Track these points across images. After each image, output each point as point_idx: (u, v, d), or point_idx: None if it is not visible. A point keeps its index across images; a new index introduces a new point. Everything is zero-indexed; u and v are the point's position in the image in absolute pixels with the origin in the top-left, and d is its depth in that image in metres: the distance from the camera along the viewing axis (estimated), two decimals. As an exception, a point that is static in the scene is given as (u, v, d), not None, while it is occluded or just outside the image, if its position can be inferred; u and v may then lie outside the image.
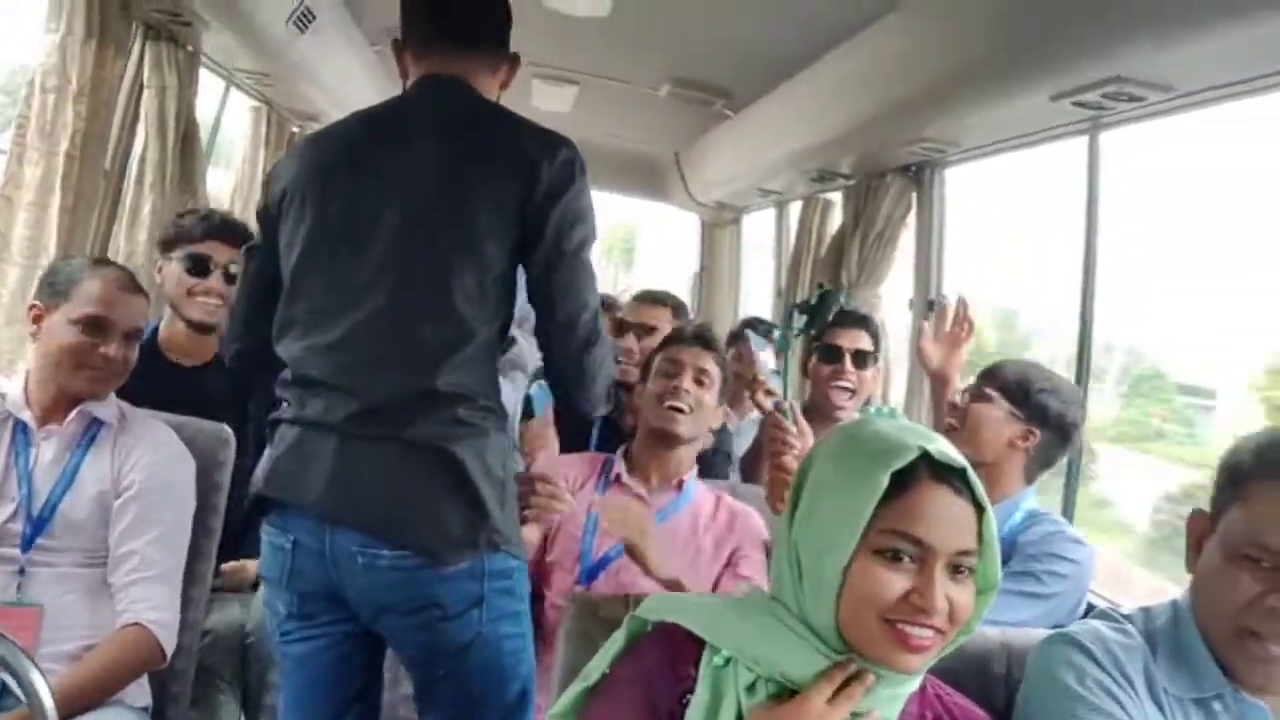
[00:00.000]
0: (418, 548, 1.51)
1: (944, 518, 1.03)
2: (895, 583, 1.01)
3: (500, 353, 1.65)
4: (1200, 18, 1.70)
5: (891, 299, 3.59)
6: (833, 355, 2.57)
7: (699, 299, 5.63)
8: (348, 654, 1.64)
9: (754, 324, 3.07)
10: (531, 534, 1.90)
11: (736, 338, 3.04)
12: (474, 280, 1.54)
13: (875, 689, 1.05)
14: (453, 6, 1.66)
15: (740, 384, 2.26)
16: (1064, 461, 2.29)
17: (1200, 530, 1.21)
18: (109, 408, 1.85)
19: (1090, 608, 1.82)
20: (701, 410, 2.02)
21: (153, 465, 1.83)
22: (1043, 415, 1.93)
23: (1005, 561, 1.80)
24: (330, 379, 1.57)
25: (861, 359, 2.56)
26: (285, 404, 1.63)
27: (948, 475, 1.05)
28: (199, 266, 2.26)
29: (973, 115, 2.54)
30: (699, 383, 2.02)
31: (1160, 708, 1.17)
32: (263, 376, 1.73)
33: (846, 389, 2.55)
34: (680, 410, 1.99)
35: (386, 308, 1.54)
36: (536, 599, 1.97)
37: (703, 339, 2.11)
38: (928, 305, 3.33)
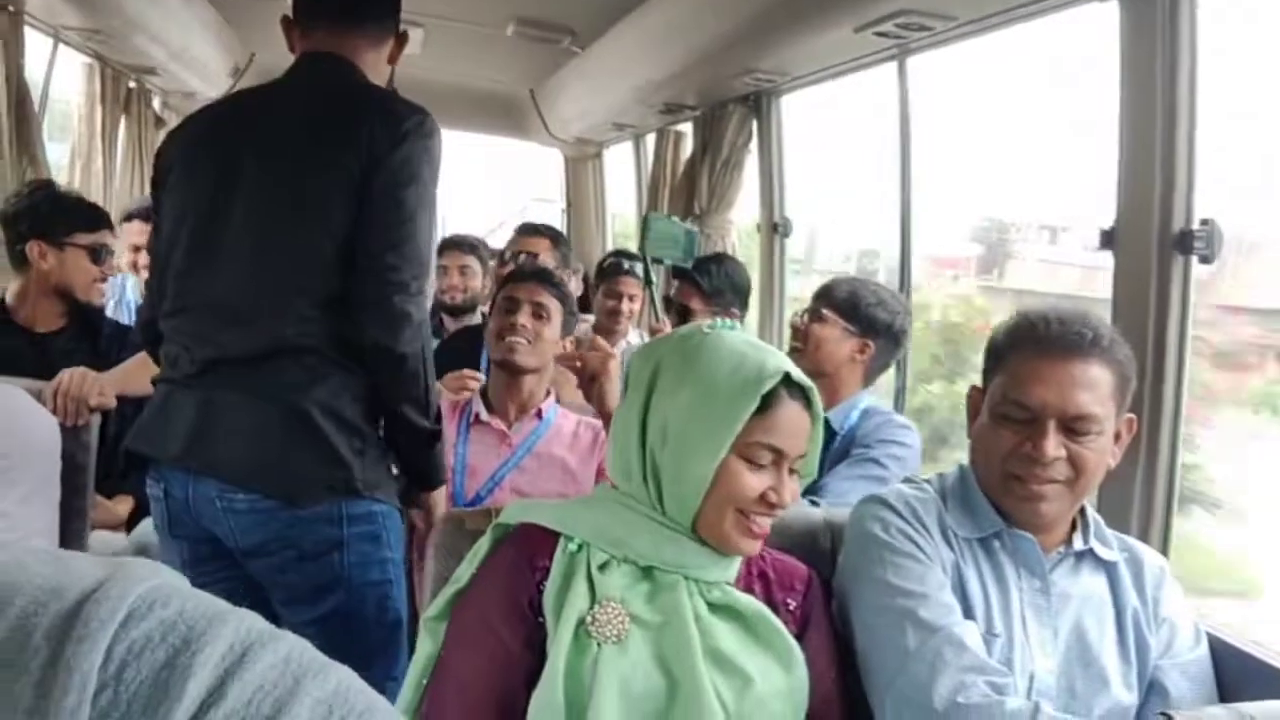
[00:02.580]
0: (271, 490, 1.60)
1: (794, 428, 1.24)
2: (755, 483, 1.21)
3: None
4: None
5: (741, 222, 3.79)
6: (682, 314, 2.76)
7: (568, 232, 5.72)
8: (240, 601, 1.72)
9: (620, 257, 3.24)
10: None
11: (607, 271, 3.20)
12: (317, 244, 1.60)
13: (713, 558, 1.24)
14: None
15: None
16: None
17: (976, 402, 1.42)
18: None
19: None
20: (541, 341, 2.10)
21: (7, 426, 1.81)
22: (874, 326, 2.09)
23: (846, 451, 2.02)
24: (191, 338, 1.66)
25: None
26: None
27: (799, 393, 1.24)
28: (100, 256, 2.36)
29: (793, 47, 2.71)
30: (537, 316, 2.09)
31: (951, 547, 1.37)
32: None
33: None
34: (519, 341, 2.07)
35: (239, 271, 1.62)
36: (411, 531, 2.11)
37: (539, 274, 2.19)
38: (773, 227, 3.54)
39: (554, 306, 2.12)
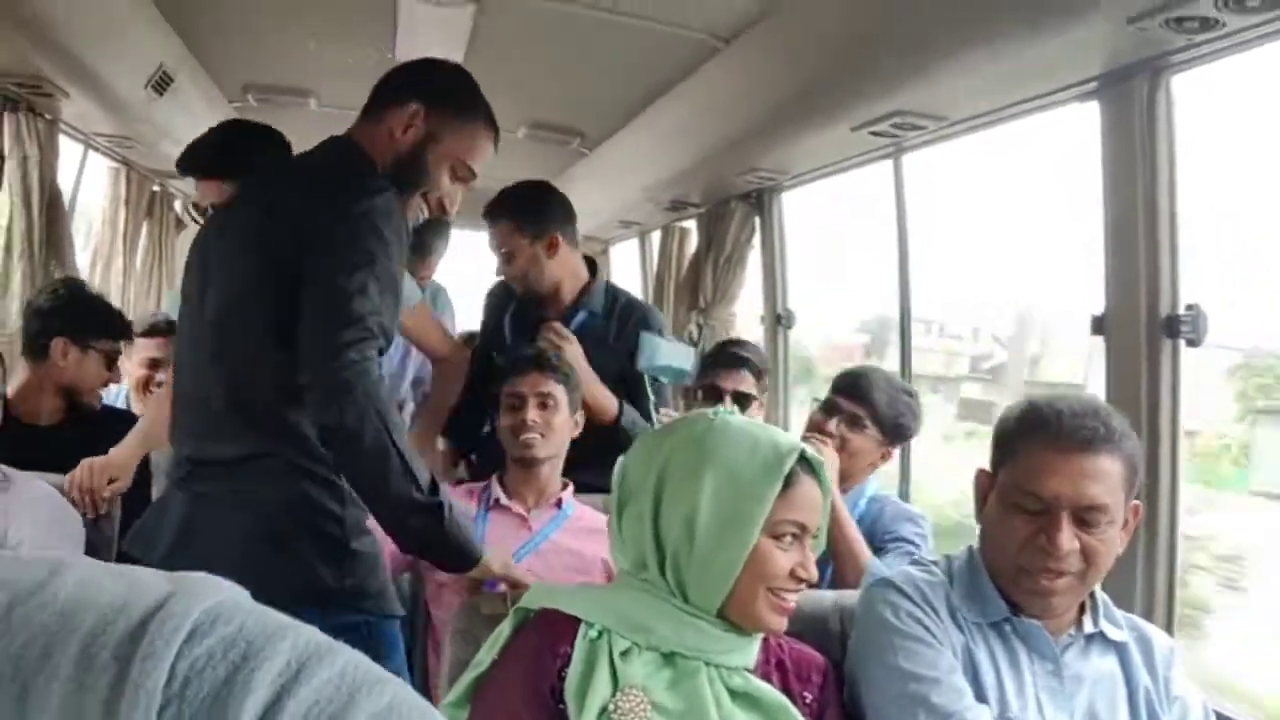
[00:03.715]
0: None
1: (814, 504, 1.28)
2: (786, 561, 1.25)
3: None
4: (959, 57, 1.99)
5: (745, 315, 3.86)
6: (714, 396, 2.52)
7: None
8: None
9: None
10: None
11: None
12: (263, 340, 1.56)
13: (735, 643, 1.26)
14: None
15: None
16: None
17: (985, 487, 1.43)
18: None
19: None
20: (552, 431, 2.10)
21: (38, 522, 1.87)
22: (900, 435, 2.16)
23: (868, 538, 2.02)
24: (182, 435, 1.71)
25: (743, 400, 2.51)
26: None
27: (813, 469, 1.29)
28: (114, 363, 2.48)
29: (793, 146, 2.83)
30: (543, 407, 2.09)
31: (961, 630, 1.38)
32: None
33: None
34: (533, 437, 2.08)
35: (205, 370, 1.64)
36: (429, 620, 2.11)
37: (537, 362, 2.17)
38: (776, 319, 3.61)
39: (559, 392, 2.12)
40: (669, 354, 2.42)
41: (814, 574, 1.27)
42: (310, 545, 1.58)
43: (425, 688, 1.85)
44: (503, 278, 2.56)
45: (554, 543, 2.08)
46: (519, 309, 2.59)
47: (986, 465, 1.44)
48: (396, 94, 1.73)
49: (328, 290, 1.50)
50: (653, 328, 2.48)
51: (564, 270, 2.50)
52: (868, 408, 2.10)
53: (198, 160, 2.28)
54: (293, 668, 0.38)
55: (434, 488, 1.55)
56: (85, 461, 2.12)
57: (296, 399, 1.55)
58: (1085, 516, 1.31)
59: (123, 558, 1.86)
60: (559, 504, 2.13)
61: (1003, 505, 1.37)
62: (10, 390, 2.37)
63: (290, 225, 1.56)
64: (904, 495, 2.70)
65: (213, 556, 1.57)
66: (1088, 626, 1.40)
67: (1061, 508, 1.31)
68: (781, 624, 1.28)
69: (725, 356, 2.58)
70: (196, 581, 0.41)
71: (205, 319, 1.65)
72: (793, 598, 1.26)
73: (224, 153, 2.19)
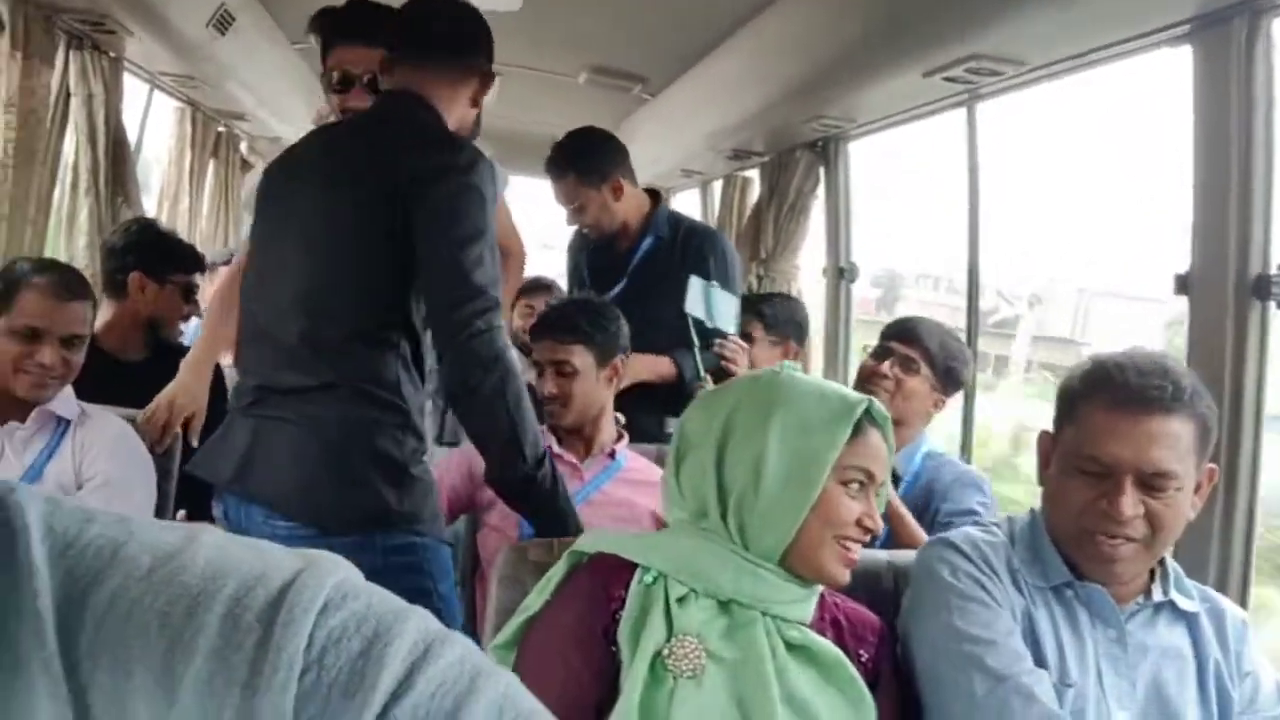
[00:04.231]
0: (304, 518, 1.64)
1: (881, 455, 1.27)
2: (854, 508, 1.23)
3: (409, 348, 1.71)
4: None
5: (808, 267, 3.79)
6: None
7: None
8: None
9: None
10: None
11: None
12: (350, 279, 1.65)
13: (794, 593, 1.24)
14: (411, 26, 1.76)
15: None
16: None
17: (1047, 448, 1.39)
18: (69, 404, 1.93)
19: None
20: (574, 397, 2.08)
21: (112, 458, 1.93)
22: (953, 381, 2.12)
23: (925, 503, 1.99)
24: (249, 365, 1.76)
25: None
26: None
27: (879, 423, 1.28)
28: (191, 296, 2.55)
29: (861, 93, 2.74)
30: (561, 374, 2.08)
31: (1022, 593, 1.34)
32: None
33: None
34: (552, 409, 2.08)
35: (282, 303, 1.69)
36: (477, 565, 2.13)
37: (552, 327, 2.14)
38: (839, 272, 3.54)
39: (577, 353, 2.09)
40: (708, 306, 2.43)
41: (879, 525, 1.26)
42: (373, 468, 1.63)
43: (474, 632, 1.86)
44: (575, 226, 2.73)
45: (605, 493, 2.08)
46: (593, 251, 2.76)
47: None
48: (472, 58, 1.78)
49: (450, 267, 1.60)
50: (715, 253, 2.59)
51: (629, 206, 2.63)
52: (920, 350, 2.09)
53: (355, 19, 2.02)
54: (420, 647, 0.40)
55: (540, 461, 1.66)
56: (163, 400, 2.16)
57: (370, 337, 1.64)
58: (1150, 482, 1.25)
59: (185, 480, 1.88)
60: (612, 454, 2.13)
61: (1064, 468, 1.32)
62: (98, 325, 2.43)
63: (390, 183, 1.61)
64: (965, 450, 2.64)
65: (279, 477, 1.63)
66: (1156, 595, 1.35)
67: (1124, 473, 1.25)
68: (844, 576, 1.25)
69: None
70: (323, 558, 0.43)
71: (285, 257, 1.70)
72: (857, 549, 1.25)
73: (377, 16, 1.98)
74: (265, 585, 0.40)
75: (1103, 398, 1.29)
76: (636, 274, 2.63)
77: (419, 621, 0.41)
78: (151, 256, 2.44)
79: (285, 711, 0.37)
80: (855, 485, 1.24)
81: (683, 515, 1.29)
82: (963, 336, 2.43)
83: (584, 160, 2.58)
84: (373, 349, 1.65)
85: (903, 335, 2.13)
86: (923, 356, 2.09)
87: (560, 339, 2.10)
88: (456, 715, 0.39)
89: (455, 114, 1.77)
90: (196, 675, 0.37)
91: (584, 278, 2.77)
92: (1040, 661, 1.29)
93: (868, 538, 1.25)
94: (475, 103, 1.81)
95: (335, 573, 0.42)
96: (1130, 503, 1.25)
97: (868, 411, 1.26)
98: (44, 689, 0.36)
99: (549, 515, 1.69)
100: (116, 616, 0.38)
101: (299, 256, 1.68)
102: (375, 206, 1.62)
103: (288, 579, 0.40)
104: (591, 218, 2.62)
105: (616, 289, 2.60)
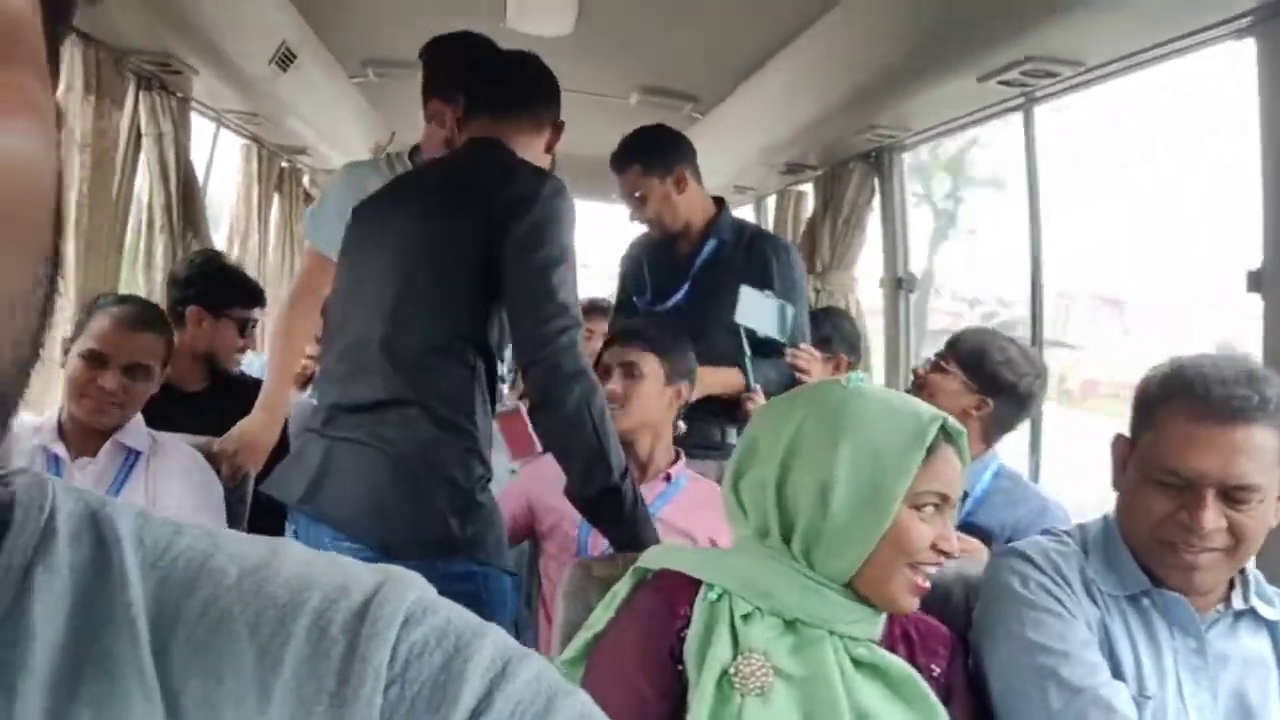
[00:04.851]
0: (370, 540, 1.65)
1: (955, 475, 1.22)
2: (928, 532, 1.19)
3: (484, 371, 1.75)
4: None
5: (865, 279, 3.76)
6: None
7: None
8: None
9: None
10: None
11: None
12: (440, 295, 1.70)
13: (860, 613, 1.21)
14: (489, 81, 1.88)
15: None
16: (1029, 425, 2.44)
17: (1124, 454, 1.34)
18: (139, 435, 1.97)
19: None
20: (636, 400, 2.08)
21: (185, 489, 1.97)
22: (995, 385, 2.01)
23: (999, 526, 1.92)
24: (327, 386, 1.80)
25: None
26: None
27: (953, 439, 1.23)
28: (247, 330, 2.61)
29: (915, 100, 2.71)
30: (629, 375, 2.09)
31: (1096, 603, 1.30)
32: None
33: None
34: (612, 407, 2.01)
35: (362, 324, 1.75)
36: (540, 587, 2.12)
37: (625, 333, 2.19)
38: (896, 283, 3.50)
39: (647, 361, 2.10)
40: (761, 316, 2.42)
41: (955, 547, 1.21)
42: (440, 493, 1.65)
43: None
44: (638, 232, 2.76)
45: (662, 520, 2.00)
46: (654, 252, 2.75)
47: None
48: (546, 109, 1.88)
49: (536, 286, 1.65)
50: (779, 259, 2.59)
51: (693, 205, 2.63)
52: (951, 351, 2.08)
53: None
54: (498, 664, 0.40)
55: (624, 472, 1.68)
56: (237, 444, 2.20)
57: (446, 351, 1.69)
58: (1233, 494, 1.20)
59: (257, 503, 1.92)
60: (668, 478, 2.10)
61: (1142, 477, 1.28)
62: None
63: (476, 210, 1.69)
64: (1034, 473, 2.58)
65: (348, 498, 1.66)
66: (1236, 603, 1.30)
67: (1206, 486, 1.21)
68: (913, 604, 1.21)
69: None
70: (401, 573, 0.43)
71: (372, 281, 1.76)
72: (931, 573, 1.21)
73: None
74: (348, 598, 0.40)
75: (1183, 406, 1.24)
76: (700, 277, 2.61)
77: (496, 637, 0.42)
78: (211, 289, 2.50)
79: None
80: (929, 509, 1.20)
81: (746, 532, 1.28)
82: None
83: (648, 151, 2.60)
84: (448, 364, 1.69)
85: (946, 344, 2.14)
86: (953, 357, 2.07)
87: (632, 344, 2.13)
88: None
89: (535, 160, 1.84)
90: (285, 684, 0.38)
91: (644, 281, 2.74)
92: (1117, 673, 1.26)
93: (943, 561, 1.21)
94: (549, 148, 1.91)
95: (413, 587, 0.42)
96: (1212, 516, 1.21)
97: (943, 429, 1.21)
98: (139, 696, 0.37)
99: (629, 528, 1.69)
100: (207, 625, 0.39)
101: (387, 277, 1.74)
102: (465, 235, 1.69)
103: (369, 592, 0.41)
104: (653, 210, 2.61)
105: (680, 292, 2.60)
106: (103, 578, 0.39)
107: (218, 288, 2.53)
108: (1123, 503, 1.34)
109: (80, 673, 0.37)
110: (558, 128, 1.91)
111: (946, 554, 1.20)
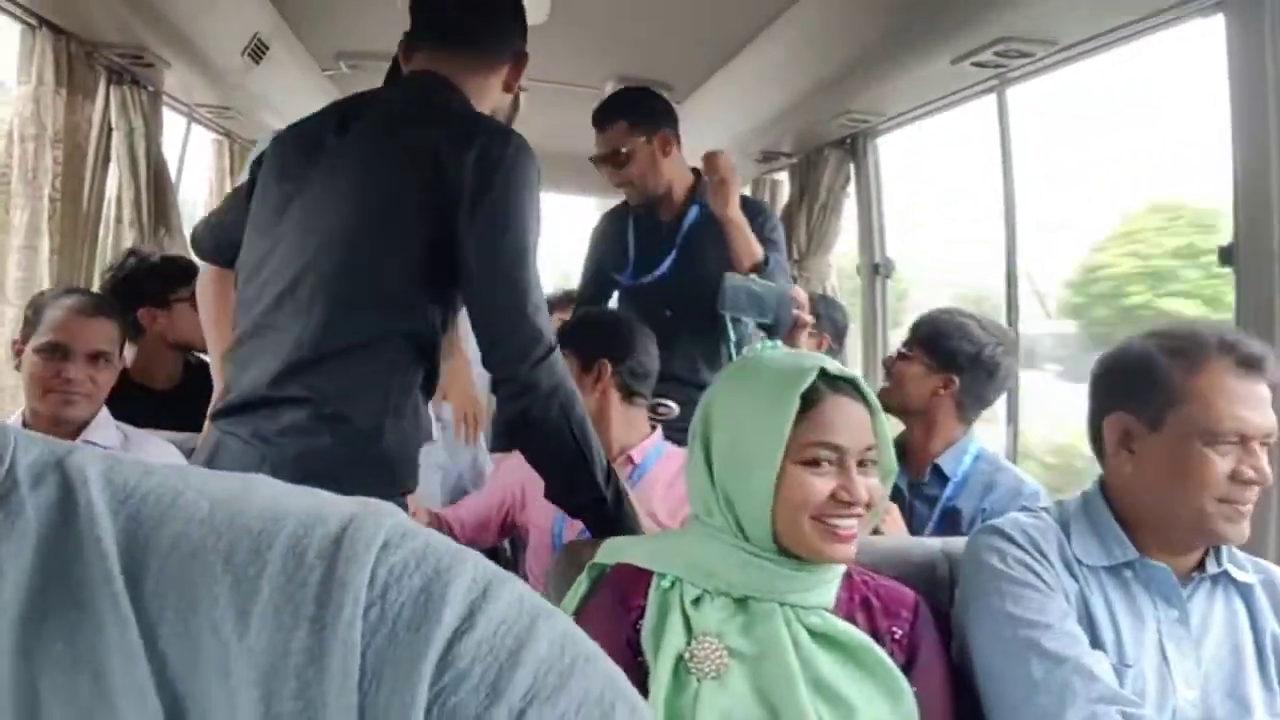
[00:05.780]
0: None
1: (849, 423, 1.21)
2: (821, 485, 1.18)
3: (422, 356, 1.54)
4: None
5: (841, 265, 3.78)
6: None
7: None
8: None
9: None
10: None
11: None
12: (362, 293, 1.46)
13: (805, 581, 1.22)
14: (438, 7, 1.62)
15: None
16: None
17: (1125, 433, 1.33)
18: (108, 431, 1.94)
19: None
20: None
21: None
22: (955, 361, 2.02)
23: (980, 510, 1.94)
24: (226, 377, 1.59)
25: None
26: None
27: (844, 385, 1.22)
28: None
29: (888, 84, 2.72)
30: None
31: (1075, 577, 1.32)
32: None
33: None
34: None
35: (271, 315, 1.50)
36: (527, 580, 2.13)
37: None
38: (873, 268, 3.52)
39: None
40: (749, 300, 2.39)
41: (862, 496, 1.18)
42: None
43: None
44: (616, 200, 2.67)
45: (637, 492, 1.94)
46: (634, 224, 2.63)
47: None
48: (507, 42, 1.64)
49: (507, 288, 1.45)
50: (763, 216, 2.53)
51: (675, 171, 2.56)
52: (914, 336, 2.10)
53: None
54: (479, 586, 0.40)
55: (607, 477, 1.56)
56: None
57: (389, 346, 1.48)
58: (1266, 441, 1.27)
59: None
60: (631, 460, 2.01)
61: (1187, 450, 1.27)
62: (128, 361, 2.47)
63: (431, 170, 1.44)
64: (1010, 453, 2.60)
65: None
66: (1211, 567, 1.33)
67: (1254, 438, 1.26)
68: (844, 552, 1.20)
69: None
70: (376, 504, 0.43)
71: (284, 256, 1.51)
72: (846, 523, 1.18)
73: None
74: (324, 525, 0.40)
75: (1226, 367, 1.27)
76: (686, 244, 2.55)
77: (475, 562, 0.42)
78: (145, 286, 2.44)
79: (354, 645, 0.37)
80: (824, 464, 1.19)
81: (696, 511, 1.30)
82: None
83: (634, 108, 2.52)
84: (368, 361, 1.46)
85: (910, 330, 2.14)
86: (914, 338, 2.09)
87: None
88: (519, 653, 0.39)
89: (487, 101, 1.62)
90: (263, 611, 0.38)
91: (625, 255, 2.62)
92: (1096, 644, 1.27)
93: (855, 510, 1.19)
94: (509, 87, 1.66)
95: (391, 514, 0.42)
96: (1266, 463, 1.26)
97: (827, 378, 1.21)
98: (113, 622, 0.37)
99: (615, 526, 1.59)
100: (180, 556, 0.39)
101: (295, 255, 1.49)
102: (404, 208, 1.47)
103: (346, 519, 0.41)
104: (637, 170, 2.50)
105: (667, 261, 2.54)
106: (69, 515, 0.39)
107: (151, 281, 2.45)
108: (1161, 477, 1.31)
109: (49, 607, 0.37)
110: (520, 60, 1.65)
111: (850, 504, 1.18)
